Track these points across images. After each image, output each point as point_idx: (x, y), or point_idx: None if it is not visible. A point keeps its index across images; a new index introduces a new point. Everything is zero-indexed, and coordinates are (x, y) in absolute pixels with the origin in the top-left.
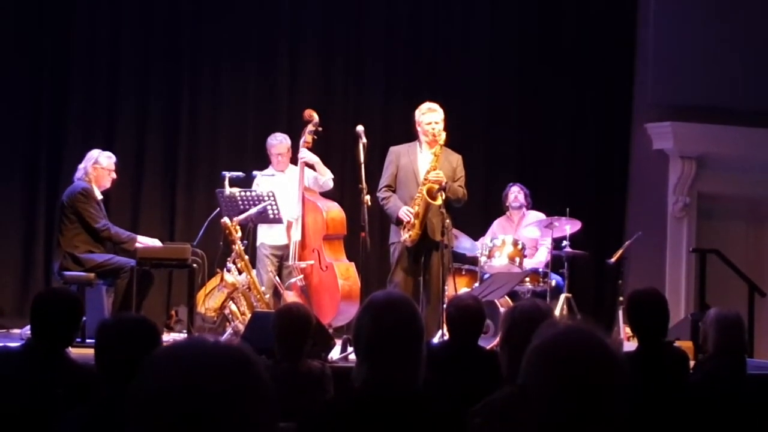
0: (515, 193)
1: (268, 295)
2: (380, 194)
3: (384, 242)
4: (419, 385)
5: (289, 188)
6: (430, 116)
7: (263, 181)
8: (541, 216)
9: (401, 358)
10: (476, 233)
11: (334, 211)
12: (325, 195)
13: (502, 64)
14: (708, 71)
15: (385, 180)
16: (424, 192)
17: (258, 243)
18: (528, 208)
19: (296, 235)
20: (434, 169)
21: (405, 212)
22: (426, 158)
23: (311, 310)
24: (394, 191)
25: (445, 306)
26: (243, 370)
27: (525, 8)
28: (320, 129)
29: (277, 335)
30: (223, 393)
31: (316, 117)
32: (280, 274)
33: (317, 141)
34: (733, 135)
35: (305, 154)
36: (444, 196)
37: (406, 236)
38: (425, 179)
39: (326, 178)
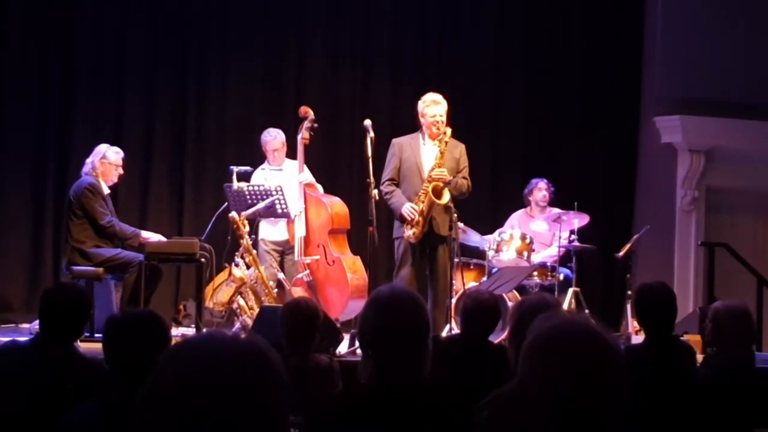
0: (543, 191)
1: (275, 290)
2: (383, 188)
3: (392, 235)
4: (426, 379)
5: (287, 183)
6: (434, 109)
7: (272, 176)
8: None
9: (406, 353)
10: (484, 227)
11: (337, 205)
12: (330, 190)
13: (509, 56)
14: (717, 64)
15: (388, 173)
16: (430, 191)
17: (258, 238)
18: (549, 204)
19: (300, 230)
20: (438, 167)
21: (409, 210)
22: (429, 150)
23: (319, 304)
24: (397, 185)
25: (455, 299)
26: (261, 364)
27: (533, 1)
28: (316, 125)
29: (285, 330)
30: (242, 387)
31: (311, 113)
32: (282, 269)
33: (315, 136)
34: (742, 128)
35: (303, 178)
36: (449, 194)
37: (410, 233)
38: (429, 176)
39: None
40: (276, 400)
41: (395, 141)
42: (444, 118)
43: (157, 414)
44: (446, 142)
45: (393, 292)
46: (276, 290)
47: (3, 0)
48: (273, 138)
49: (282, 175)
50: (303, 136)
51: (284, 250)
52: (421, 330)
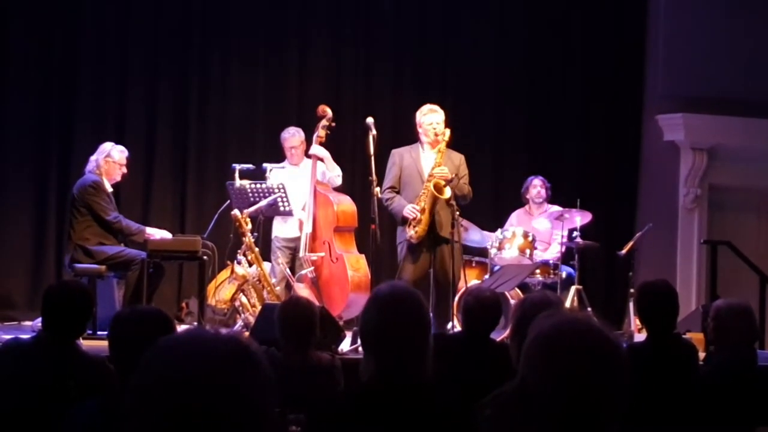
0: (538, 188)
1: (280, 288)
2: (384, 195)
3: (394, 234)
4: (427, 377)
5: (302, 181)
6: (431, 117)
7: (274, 174)
8: (559, 210)
9: (407, 351)
10: (486, 225)
11: (344, 203)
12: (337, 187)
13: (511, 55)
14: (719, 62)
15: (388, 182)
16: (431, 186)
17: (272, 236)
18: (547, 202)
19: (307, 227)
20: (438, 165)
21: (410, 209)
22: (429, 158)
23: (321, 301)
24: (398, 192)
25: (457, 297)
26: (243, 360)
27: (533, 0)
28: (333, 125)
29: (282, 329)
30: (223, 383)
31: (329, 112)
32: (293, 267)
33: (330, 136)
34: (745, 126)
35: (315, 150)
36: (451, 191)
37: (411, 233)
38: (430, 175)
39: (333, 174)
40: (259, 393)
41: (395, 151)
42: (441, 126)
43: (141, 409)
44: (446, 141)
45: (393, 290)
46: (278, 288)
47: (3, 0)
48: (291, 135)
49: (299, 174)
50: (318, 134)
51: (296, 247)
52: (422, 328)
